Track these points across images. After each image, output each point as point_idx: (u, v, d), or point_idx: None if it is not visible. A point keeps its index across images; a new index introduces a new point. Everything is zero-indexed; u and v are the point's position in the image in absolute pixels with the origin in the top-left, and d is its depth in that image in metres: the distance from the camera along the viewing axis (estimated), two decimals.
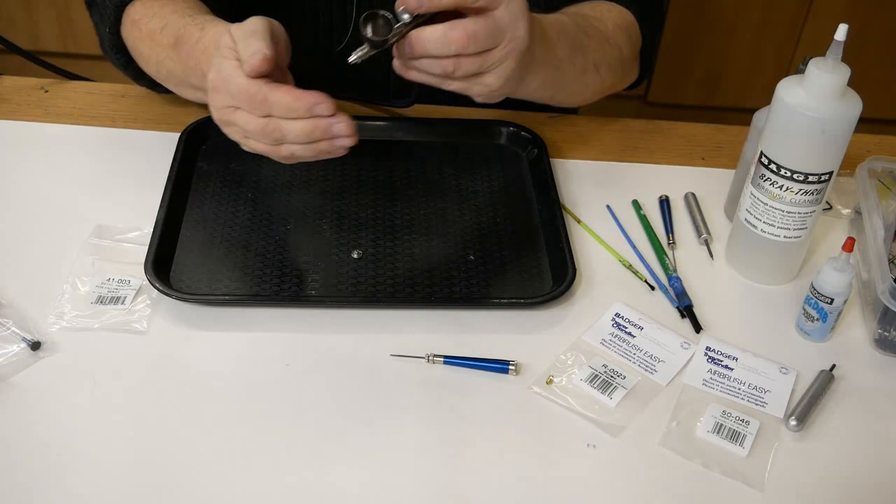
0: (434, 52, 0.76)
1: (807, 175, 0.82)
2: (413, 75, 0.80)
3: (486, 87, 0.81)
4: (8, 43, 1.06)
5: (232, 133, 0.79)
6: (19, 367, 0.77)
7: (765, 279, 0.91)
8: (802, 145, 0.81)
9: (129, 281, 0.84)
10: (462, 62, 0.77)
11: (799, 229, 0.86)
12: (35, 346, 0.78)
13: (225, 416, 0.75)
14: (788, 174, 0.82)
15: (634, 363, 0.82)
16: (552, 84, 0.93)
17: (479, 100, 0.83)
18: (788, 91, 0.81)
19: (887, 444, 0.77)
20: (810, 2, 2.00)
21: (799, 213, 0.85)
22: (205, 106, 0.81)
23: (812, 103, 0.79)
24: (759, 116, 0.92)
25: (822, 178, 0.83)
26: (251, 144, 0.78)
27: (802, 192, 0.83)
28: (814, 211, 0.85)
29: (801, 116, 0.80)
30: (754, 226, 0.87)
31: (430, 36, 0.75)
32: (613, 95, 1.05)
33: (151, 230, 0.86)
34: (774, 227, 0.86)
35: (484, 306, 0.85)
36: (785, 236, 0.87)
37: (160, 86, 0.97)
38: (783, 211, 0.85)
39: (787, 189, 0.83)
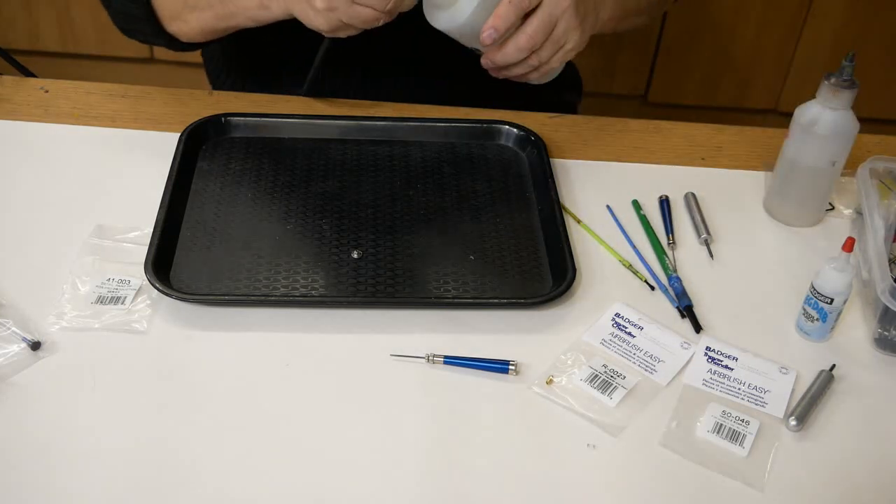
0: (515, 59, 0.92)
1: None
2: (510, 75, 0.95)
3: (570, 51, 0.94)
4: None
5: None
6: (19, 367, 0.77)
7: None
8: None
9: (129, 281, 0.84)
10: (540, 54, 0.92)
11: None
12: (35, 346, 0.78)
13: (225, 415, 0.75)
14: None
15: (634, 363, 0.82)
16: (620, 7, 1.03)
17: (571, 57, 0.96)
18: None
19: (887, 444, 0.77)
20: (810, 2, 1.99)
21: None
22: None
23: None
24: (801, 112, 0.91)
25: None
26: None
27: None
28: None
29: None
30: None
31: (506, 52, 0.91)
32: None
33: (151, 230, 0.86)
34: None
35: (484, 306, 0.85)
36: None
37: (177, 42, 1.03)
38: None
39: None
